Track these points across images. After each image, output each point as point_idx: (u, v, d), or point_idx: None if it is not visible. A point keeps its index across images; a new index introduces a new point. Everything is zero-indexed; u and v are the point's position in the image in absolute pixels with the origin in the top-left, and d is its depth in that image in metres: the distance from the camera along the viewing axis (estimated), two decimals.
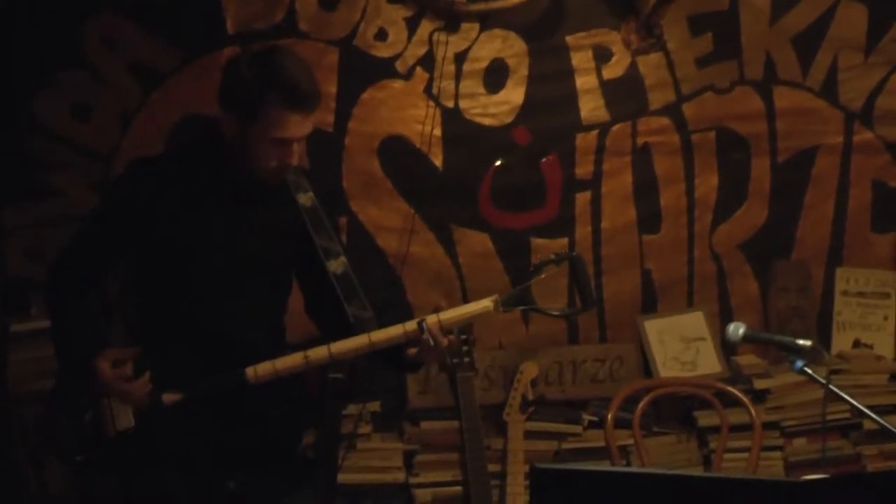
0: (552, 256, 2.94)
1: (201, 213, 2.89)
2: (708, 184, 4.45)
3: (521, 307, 2.94)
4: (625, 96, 4.35)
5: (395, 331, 2.87)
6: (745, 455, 3.87)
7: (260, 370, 2.84)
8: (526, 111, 4.30)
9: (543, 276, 2.91)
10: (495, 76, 4.29)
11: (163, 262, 2.90)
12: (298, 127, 2.81)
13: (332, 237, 2.99)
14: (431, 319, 2.88)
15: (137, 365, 2.85)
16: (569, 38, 4.31)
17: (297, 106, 2.79)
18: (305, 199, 2.99)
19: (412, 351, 2.91)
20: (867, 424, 4.22)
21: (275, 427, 3.01)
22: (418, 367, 3.08)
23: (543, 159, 4.34)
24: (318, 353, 2.85)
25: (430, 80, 4.24)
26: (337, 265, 2.96)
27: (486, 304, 2.90)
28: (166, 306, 2.93)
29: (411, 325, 2.87)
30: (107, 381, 2.83)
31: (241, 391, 2.85)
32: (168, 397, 2.83)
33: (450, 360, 4.09)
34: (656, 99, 4.38)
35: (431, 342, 2.84)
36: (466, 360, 4.08)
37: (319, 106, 2.89)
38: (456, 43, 4.25)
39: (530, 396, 4.19)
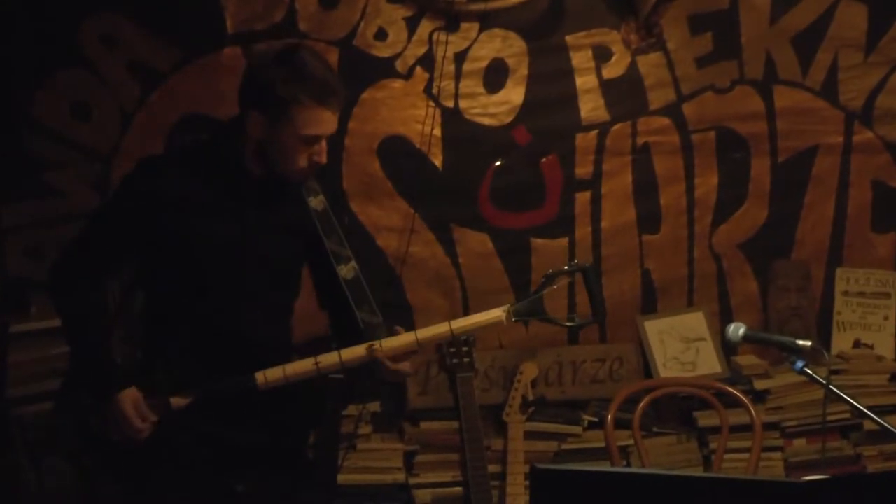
0: (565, 267, 2.93)
1: (211, 213, 2.87)
2: (708, 184, 4.45)
3: (533, 318, 2.93)
4: (625, 96, 4.35)
5: (404, 339, 2.86)
6: (746, 456, 3.86)
7: (270, 375, 2.83)
8: (526, 111, 4.30)
9: (556, 286, 2.91)
10: (495, 76, 4.28)
11: (172, 261, 2.89)
12: (328, 123, 2.83)
13: (343, 241, 2.99)
14: (443, 328, 2.88)
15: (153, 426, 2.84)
16: (568, 38, 4.31)
17: (328, 102, 2.80)
18: (317, 202, 2.98)
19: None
20: (867, 425, 4.22)
21: (282, 429, 3.00)
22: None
23: (543, 159, 4.34)
24: (329, 359, 2.85)
25: (430, 80, 4.24)
26: (347, 270, 2.95)
27: (497, 314, 2.88)
28: (174, 305, 2.92)
29: (422, 333, 2.88)
30: (122, 415, 2.81)
31: (251, 394, 2.84)
32: (176, 401, 2.82)
33: (450, 360, 4.09)
34: (656, 99, 4.38)
35: (387, 365, 2.87)
36: (466, 360, 4.08)
37: (344, 103, 2.90)
38: (456, 43, 4.25)
39: (530, 397, 4.19)
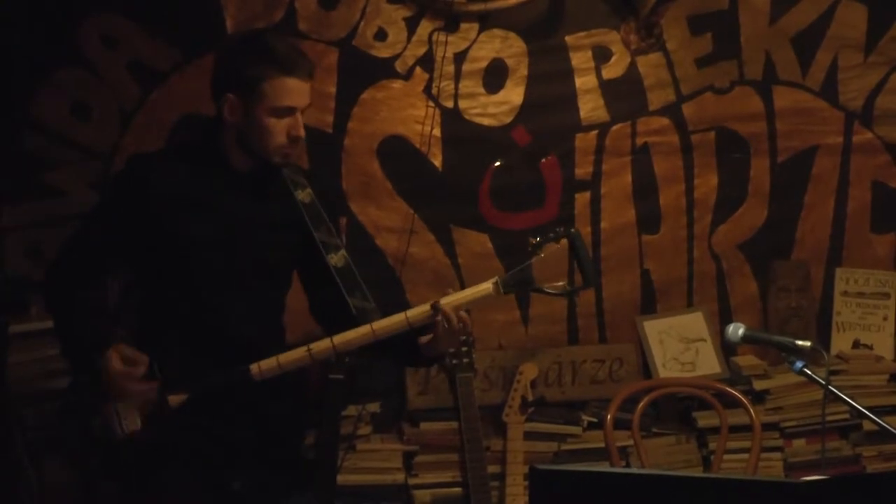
0: (550, 234, 2.91)
1: (201, 209, 2.89)
2: (707, 184, 4.45)
3: (523, 289, 2.91)
4: (624, 96, 4.36)
5: (396, 318, 2.86)
6: (745, 456, 3.86)
7: (264, 366, 2.84)
8: (525, 111, 4.30)
9: (543, 255, 2.89)
10: (495, 76, 4.29)
11: (163, 259, 2.90)
12: (299, 94, 2.87)
13: (332, 232, 3.01)
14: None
15: (150, 371, 2.83)
16: (568, 38, 4.31)
17: (294, 71, 2.85)
18: (304, 195, 3.00)
19: (424, 340, 2.89)
20: (867, 425, 4.22)
21: (278, 427, 3.00)
22: (432, 360, 3.07)
23: (543, 160, 4.34)
24: (322, 345, 2.85)
25: (430, 81, 4.24)
26: (337, 258, 2.97)
27: (486, 287, 2.87)
28: (167, 303, 2.93)
29: (413, 313, 2.86)
30: (114, 375, 2.79)
31: (245, 390, 2.85)
32: (174, 398, 2.83)
33: (449, 360, 4.09)
34: (656, 99, 4.38)
35: (445, 324, 2.82)
36: (466, 360, 4.08)
37: (314, 76, 2.94)
38: (455, 43, 4.25)
39: (530, 397, 4.19)
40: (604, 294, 4.40)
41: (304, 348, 2.85)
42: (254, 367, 2.84)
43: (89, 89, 4.08)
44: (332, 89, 4.18)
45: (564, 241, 2.91)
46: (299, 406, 3.12)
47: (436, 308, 2.83)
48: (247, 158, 2.92)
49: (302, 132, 2.90)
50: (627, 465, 4.09)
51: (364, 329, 2.86)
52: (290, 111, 2.86)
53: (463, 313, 2.86)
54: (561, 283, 2.95)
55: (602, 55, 4.33)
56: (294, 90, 2.85)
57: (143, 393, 2.82)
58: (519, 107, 4.30)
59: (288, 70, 2.84)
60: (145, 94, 4.12)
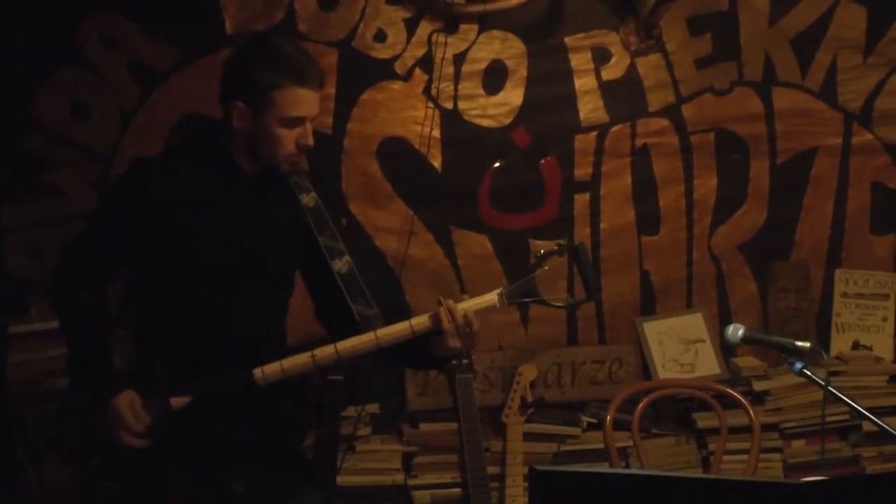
0: (554, 247, 2.92)
1: (203, 208, 2.88)
2: (707, 185, 4.45)
3: (527, 300, 2.92)
4: (624, 97, 4.36)
5: (400, 327, 2.86)
6: (745, 457, 3.86)
7: (267, 370, 2.83)
8: (525, 112, 4.30)
9: (546, 267, 2.90)
10: (494, 77, 4.29)
11: (166, 262, 2.89)
12: (309, 103, 2.85)
13: (336, 237, 3.00)
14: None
15: (151, 428, 2.84)
16: (568, 40, 4.31)
17: (305, 81, 2.83)
18: (308, 199, 3.00)
19: (440, 341, 2.89)
20: (866, 426, 4.22)
21: (280, 427, 3.00)
22: (443, 360, 3.05)
23: (542, 161, 4.35)
24: (326, 351, 2.85)
25: (429, 82, 4.24)
26: (341, 264, 2.96)
27: (490, 298, 2.87)
28: (169, 305, 2.92)
29: (417, 321, 2.86)
30: (120, 419, 2.81)
31: (248, 392, 2.85)
32: (176, 401, 2.82)
33: (449, 361, 4.09)
34: (655, 100, 4.38)
35: (459, 328, 2.81)
36: (465, 361, 4.08)
37: (324, 85, 2.92)
38: (455, 44, 4.25)
39: (529, 398, 4.19)
40: (603, 295, 4.40)
41: (307, 354, 2.84)
42: (257, 372, 2.83)
43: (89, 89, 4.08)
44: (332, 90, 4.18)
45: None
46: (300, 406, 3.11)
47: (439, 302, 2.83)
48: (254, 163, 2.91)
49: (311, 141, 2.88)
50: (627, 466, 4.09)
51: (368, 336, 2.85)
52: (299, 121, 2.84)
53: (470, 313, 2.85)
54: (563, 296, 2.96)
55: (601, 56, 4.34)
56: (304, 100, 2.83)
57: (135, 444, 2.83)
58: (518, 108, 4.31)
59: (299, 80, 2.81)
60: (145, 94, 4.12)
